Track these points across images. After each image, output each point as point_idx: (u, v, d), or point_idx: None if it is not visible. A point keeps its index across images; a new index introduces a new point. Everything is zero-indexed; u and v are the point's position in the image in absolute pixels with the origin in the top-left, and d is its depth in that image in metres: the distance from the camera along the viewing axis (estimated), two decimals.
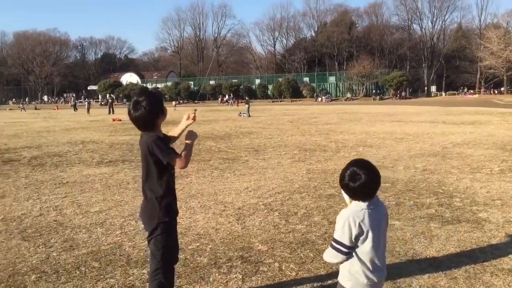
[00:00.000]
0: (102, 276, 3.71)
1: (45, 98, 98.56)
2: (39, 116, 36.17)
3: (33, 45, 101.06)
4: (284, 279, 3.63)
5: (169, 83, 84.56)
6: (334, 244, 2.30)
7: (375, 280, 2.30)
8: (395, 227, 4.87)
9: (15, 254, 4.26)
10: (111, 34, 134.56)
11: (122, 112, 40.92)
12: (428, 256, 4.05)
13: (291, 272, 3.74)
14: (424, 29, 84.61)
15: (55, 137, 16.72)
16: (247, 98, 35.36)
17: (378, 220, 2.31)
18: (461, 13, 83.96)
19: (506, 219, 5.11)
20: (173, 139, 3.17)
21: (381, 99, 66.15)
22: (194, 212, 5.63)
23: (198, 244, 4.45)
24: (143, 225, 3.07)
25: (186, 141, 2.93)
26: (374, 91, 71.69)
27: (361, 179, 2.24)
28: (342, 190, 2.38)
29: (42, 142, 14.88)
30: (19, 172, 8.88)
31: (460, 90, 77.35)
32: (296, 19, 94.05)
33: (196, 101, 74.64)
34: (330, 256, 2.33)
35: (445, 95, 74.55)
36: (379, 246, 2.31)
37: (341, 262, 2.34)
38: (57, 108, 61.11)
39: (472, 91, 74.85)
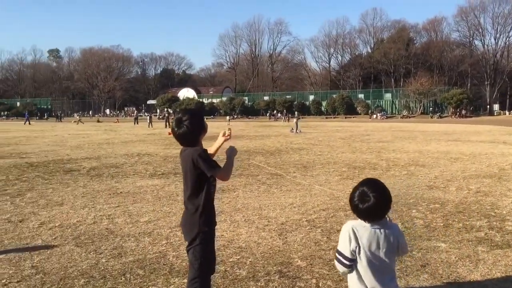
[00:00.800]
0: (145, 284, 3.89)
1: (107, 111, 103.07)
2: (100, 129, 37.90)
3: (98, 61, 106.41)
4: None
5: (224, 98, 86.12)
6: (337, 255, 2.36)
7: None
8: (440, 249, 4.76)
9: (67, 259, 4.54)
10: (170, 51, 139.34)
11: None
12: (471, 280, 3.94)
13: None
14: (487, 45, 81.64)
15: (113, 149, 17.48)
16: (296, 112, 35.32)
17: (380, 241, 2.31)
18: None
19: None
20: (211, 155, 3.31)
21: (440, 117, 64.10)
22: (238, 226, 5.75)
23: (239, 257, 4.55)
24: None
25: (228, 156, 3.09)
26: (431, 108, 69.59)
27: (369, 201, 2.28)
28: (351, 209, 2.44)
29: (102, 153, 15.62)
30: (78, 182, 9.39)
31: None
32: (352, 35, 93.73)
33: (250, 116, 75.50)
34: (337, 266, 2.39)
35: (509, 114, 71.10)
36: (378, 265, 2.31)
37: (346, 273, 2.37)
38: (118, 121, 63.77)
39: None
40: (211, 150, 3.38)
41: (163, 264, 4.36)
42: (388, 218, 2.44)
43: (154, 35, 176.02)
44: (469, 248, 4.82)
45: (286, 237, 5.24)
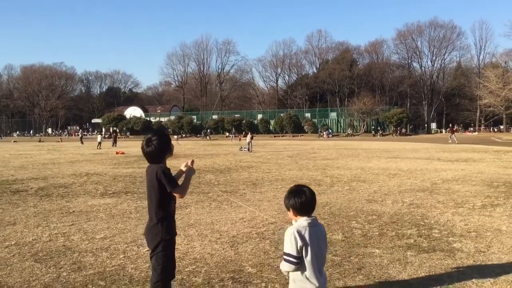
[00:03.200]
0: None
1: (49, 130, 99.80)
2: (43, 149, 36.82)
3: (40, 79, 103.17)
4: None
5: (172, 117, 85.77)
6: (285, 257, 2.82)
7: (317, 285, 2.78)
8: (374, 255, 5.33)
9: (29, 273, 4.74)
10: (116, 69, 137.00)
11: (125, 145, 41.64)
12: (400, 279, 4.51)
13: None
14: (424, 67, 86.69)
15: (60, 169, 17.26)
16: (249, 132, 35.92)
17: (317, 237, 2.81)
18: (460, 52, 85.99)
19: (477, 249, 5.57)
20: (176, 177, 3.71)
21: (381, 135, 66.88)
22: (191, 239, 6.10)
23: (194, 267, 4.92)
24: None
25: (186, 176, 3.51)
26: (373, 127, 72.50)
27: (305, 195, 2.79)
28: (287, 211, 2.93)
29: (48, 174, 15.42)
30: (28, 202, 9.38)
31: (459, 128, 78.13)
32: (299, 56, 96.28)
33: (198, 135, 75.55)
34: (284, 267, 2.85)
35: (445, 132, 75.26)
36: (318, 258, 2.80)
37: (294, 271, 2.83)
38: (61, 141, 61.92)
39: (472, 128, 75.71)
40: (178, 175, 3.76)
41: (123, 275, 4.66)
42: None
43: (100, 52, 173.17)
44: (400, 253, 5.43)
45: (237, 248, 5.66)
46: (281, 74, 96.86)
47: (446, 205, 8.58)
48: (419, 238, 6.10)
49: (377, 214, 7.74)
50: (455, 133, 43.27)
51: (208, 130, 74.02)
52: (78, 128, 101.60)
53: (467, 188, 10.84)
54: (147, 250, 5.39)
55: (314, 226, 2.84)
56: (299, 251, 2.79)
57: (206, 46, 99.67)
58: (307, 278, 2.81)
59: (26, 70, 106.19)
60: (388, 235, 6.31)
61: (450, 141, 39.31)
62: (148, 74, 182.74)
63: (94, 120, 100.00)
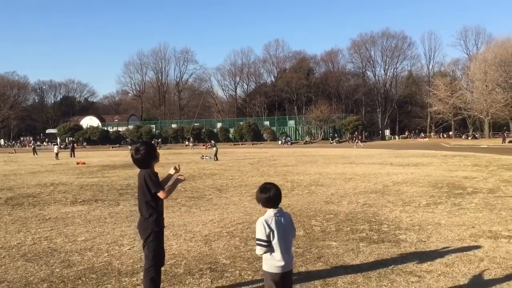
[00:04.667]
0: (100, 283, 4.74)
1: (1, 141, 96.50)
2: None
3: None
4: (243, 281, 4.78)
5: (130, 127, 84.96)
6: (257, 242, 3.51)
7: (283, 263, 3.49)
8: (331, 246, 6.11)
9: (23, 270, 5.22)
10: (71, 78, 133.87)
11: (83, 155, 41.22)
12: (353, 264, 5.30)
13: (248, 277, 4.90)
14: (378, 76, 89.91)
15: (23, 180, 17.29)
16: (213, 141, 36.29)
17: (283, 224, 3.52)
18: (411, 61, 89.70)
19: (419, 239, 6.45)
20: (164, 183, 4.32)
21: (338, 142, 68.85)
22: (168, 239, 6.66)
23: (174, 261, 5.53)
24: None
25: (174, 182, 4.16)
26: (331, 134, 74.46)
27: (270, 192, 3.51)
28: (258, 203, 3.63)
29: (12, 184, 15.49)
30: (1, 211, 9.66)
31: (412, 134, 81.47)
32: (257, 65, 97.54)
33: (157, 145, 75.23)
34: (258, 250, 3.54)
35: (398, 138, 78.28)
36: (283, 240, 3.50)
37: (265, 253, 3.52)
38: (15, 152, 60.20)
39: (423, 134, 79.08)
40: (165, 180, 4.37)
41: (111, 269, 5.22)
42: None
43: (53, 61, 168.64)
44: (353, 244, 6.23)
45: (211, 245, 6.31)
46: (240, 83, 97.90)
47: (395, 204, 9.52)
48: (370, 232, 6.94)
49: (334, 213, 8.56)
50: (359, 140, 58.65)
51: (160, 140, 73.35)
52: (31, 138, 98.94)
53: (415, 189, 11.89)
54: (128, 249, 6.00)
55: (280, 215, 3.55)
56: (268, 236, 3.48)
57: (164, 54, 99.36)
58: (274, 258, 3.51)
59: None
60: (343, 230, 7.12)
61: (355, 146, 50.11)
62: (104, 83, 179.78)
63: (48, 131, 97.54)
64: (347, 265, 5.29)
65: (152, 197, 4.11)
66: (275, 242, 3.48)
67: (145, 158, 4.13)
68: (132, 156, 4.19)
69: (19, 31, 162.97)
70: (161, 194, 4.09)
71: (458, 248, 5.94)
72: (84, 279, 4.89)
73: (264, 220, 3.51)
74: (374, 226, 7.35)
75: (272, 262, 3.50)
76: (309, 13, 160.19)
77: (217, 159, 28.43)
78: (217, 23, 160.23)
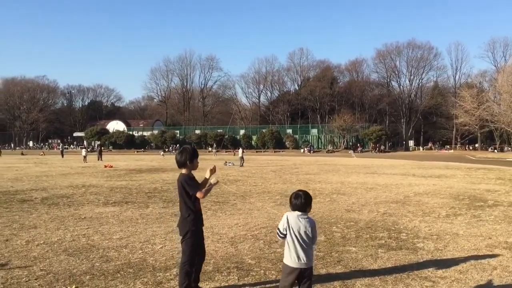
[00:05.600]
0: (138, 276, 5.19)
1: (30, 143, 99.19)
2: (29, 162, 37.23)
3: (21, 92, 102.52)
4: (267, 279, 5.17)
5: (155, 132, 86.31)
6: (277, 230, 3.94)
7: (297, 260, 3.85)
8: (351, 251, 6.45)
9: (66, 264, 5.71)
10: (99, 83, 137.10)
11: (110, 158, 42.27)
12: (371, 269, 5.62)
13: (272, 276, 5.28)
14: (402, 86, 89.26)
15: (55, 181, 18.03)
16: (241, 148, 36.84)
17: (300, 226, 3.88)
18: (437, 72, 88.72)
19: (436, 248, 6.73)
20: (202, 185, 4.75)
21: (361, 151, 68.62)
22: None
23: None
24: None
25: (210, 182, 4.59)
26: (352, 144, 74.14)
27: (300, 199, 3.90)
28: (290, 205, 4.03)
29: (46, 185, 16.22)
30: (38, 210, 10.27)
31: (437, 145, 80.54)
32: (281, 73, 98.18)
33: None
34: (277, 236, 3.95)
35: (423, 149, 77.50)
36: (300, 240, 3.86)
37: (281, 242, 3.90)
38: (44, 154, 61.98)
39: (448, 146, 78.16)
40: (203, 182, 4.80)
41: (146, 265, 5.67)
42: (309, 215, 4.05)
43: (82, 66, 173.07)
44: (372, 250, 6.55)
45: (237, 246, 6.71)
46: (263, 91, 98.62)
47: (415, 214, 9.77)
48: (389, 240, 7.24)
49: (354, 221, 8.88)
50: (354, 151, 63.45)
51: (178, 145, 74.15)
52: (59, 141, 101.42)
53: (436, 200, 12.08)
54: (161, 247, 6.45)
55: (303, 218, 3.94)
56: (284, 230, 3.91)
57: (189, 61, 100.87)
58: (290, 251, 3.93)
59: (8, 83, 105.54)
60: (363, 237, 7.44)
61: (353, 156, 55.91)
62: (131, 89, 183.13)
63: (75, 134, 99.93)
64: (365, 269, 5.62)
65: (189, 199, 4.57)
66: (294, 241, 3.87)
67: (184, 160, 4.61)
68: (176, 157, 4.74)
69: (50, 37, 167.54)
70: (198, 195, 4.54)
71: (473, 257, 6.20)
72: (122, 272, 5.35)
73: (286, 215, 3.94)
74: (393, 234, 7.65)
75: (290, 257, 3.91)
76: (334, 22, 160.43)
77: (243, 165, 29.12)
78: (242, 31, 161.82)
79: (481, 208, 10.66)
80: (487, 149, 70.94)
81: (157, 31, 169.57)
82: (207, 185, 4.70)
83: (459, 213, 10.02)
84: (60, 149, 54.90)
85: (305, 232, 3.93)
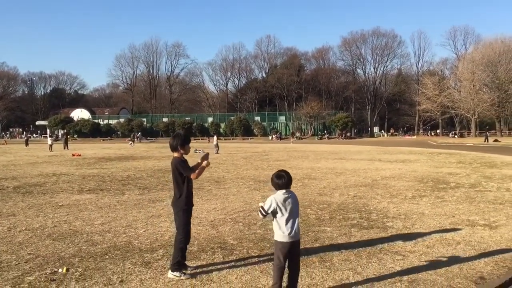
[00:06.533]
0: (126, 258, 5.41)
1: None
2: None
3: None
4: (250, 257, 5.48)
5: (122, 120, 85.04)
6: (260, 209, 4.24)
7: (291, 233, 4.17)
8: (326, 231, 6.83)
9: (53, 248, 5.86)
10: (61, 70, 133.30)
11: (76, 147, 41.58)
12: (346, 245, 6.01)
13: (255, 254, 5.59)
14: (367, 74, 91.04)
15: (24, 170, 17.79)
16: (215, 135, 36.96)
17: (290, 202, 4.21)
18: (400, 60, 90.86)
19: (405, 226, 7.19)
20: (195, 168, 4.99)
21: (328, 138, 69.76)
22: None
23: None
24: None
25: (202, 165, 4.85)
26: (320, 132, 75.22)
27: (283, 178, 4.20)
28: (272, 185, 4.32)
29: (15, 174, 16.01)
30: (13, 198, 10.24)
31: (401, 132, 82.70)
32: (248, 60, 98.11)
33: (149, 138, 75.57)
34: (259, 214, 4.25)
35: (387, 135, 79.44)
36: (290, 215, 4.19)
37: (263, 219, 4.20)
38: (6, 143, 60.20)
39: (411, 132, 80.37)
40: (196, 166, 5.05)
41: (132, 248, 5.88)
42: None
43: (44, 53, 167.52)
44: (346, 229, 6.95)
45: (217, 229, 6.99)
46: (231, 78, 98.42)
47: (383, 197, 10.28)
48: (360, 220, 7.67)
49: (327, 204, 9.29)
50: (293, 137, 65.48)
51: (139, 133, 73.43)
52: (20, 130, 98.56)
53: (402, 183, 12.67)
54: (143, 231, 6.66)
55: (288, 195, 4.25)
56: (269, 210, 4.19)
57: (155, 48, 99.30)
58: (280, 227, 4.21)
59: None
60: (336, 218, 7.84)
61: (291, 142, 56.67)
62: (95, 75, 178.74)
63: (38, 122, 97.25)
64: (340, 245, 6.00)
65: (182, 180, 4.88)
66: (283, 217, 4.18)
67: (176, 144, 4.95)
68: (170, 141, 5.05)
69: (9, 22, 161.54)
70: (192, 176, 4.86)
71: (439, 233, 6.69)
72: (110, 254, 5.54)
73: (274, 198, 4.23)
74: (364, 215, 8.08)
75: (281, 233, 4.21)
76: (300, 10, 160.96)
77: (217, 152, 29.75)
78: (209, 18, 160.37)
79: (444, 190, 11.27)
80: (448, 135, 73.33)
81: (122, 17, 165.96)
82: (199, 168, 4.94)
83: (424, 194, 10.59)
84: (24, 137, 53.48)
85: (293, 205, 4.25)
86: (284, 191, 4.25)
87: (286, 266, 4.25)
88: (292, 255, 4.23)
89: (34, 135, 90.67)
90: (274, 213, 4.22)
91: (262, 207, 4.28)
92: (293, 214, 4.25)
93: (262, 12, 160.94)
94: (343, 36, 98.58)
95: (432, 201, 9.60)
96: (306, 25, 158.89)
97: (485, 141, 47.93)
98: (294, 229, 4.21)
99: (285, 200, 4.21)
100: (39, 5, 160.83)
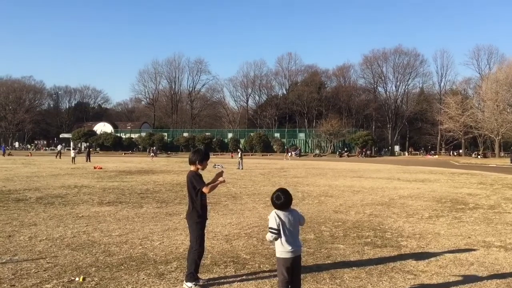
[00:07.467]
0: (141, 269, 5.55)
1: (16, 144, 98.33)
2: (17, 162, 37.12)
3: (7, 92, 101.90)
4: (261, 271, 5.56)
5: (143, 134, 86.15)
6: (270, 230, 4.31)
7: (292, 249, 4.25)
8: (339, 248, 6.87)
9: (71, 257, 6.04)
10: (86, 84, 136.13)
11: (98, 160, 42.29)
12: (357, 263, 6.04)
13: (266, 269, 5.68)
14: (389, 92, 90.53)
15: (47, 181, 18.21)
16: (239, 150, 37.12)
17: (289, 219, 4.29)
18: (422, 79, 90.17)
19: (419, 245, 7.18)
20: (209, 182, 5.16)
21: (347, 156, 69.38)
22: None
23: None
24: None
25: (218, 179, 5.01)
26: (340, 150, 74.77)
27: (281, 199, 4.30)
28: (272, 206, 4.42)
29: (38, 185, 16.41)
30: (35, 209, 10.53)
31: (422, 151, 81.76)
32: (269, 77, 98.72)
33: (169, 152, 76.32)
34: (269, 236, 4.33)
35: (408, 154, 78.59)
36: (291, 232, 4.26)
37: (275, 239, 4.29)
38: (31, 155, 61.59)
39: (433, 151, 79.38)
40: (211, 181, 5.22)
41: (147, 259, 6.02)
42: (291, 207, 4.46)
43: (70, 67, 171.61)
44: (359, 247, 6.97)
45: (231, 243, 7.09)
46: (252, 94, 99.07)
47: (399, 216, 10.24)
48: (374, 238, 7.68)
49: (342, 221, 9.31)
50: (288, 154, 63.92)
51: (154, 147, 73.56)
52: (45, 142, 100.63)
53: (419, 203, 12.58)
54: (159, 244, 6.80)
55: (289, 213, 4.35)
56: (278, 225, 4.29)
57: (178, 64, 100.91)
58: (282, 244, 4.30)
59: None
60: (350, 236, 7.87)
61: (287, 158, 56.82)
62: (118, 90, 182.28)
63: (62, 135, 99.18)
64: (353, 263, 6.03)
65: (196, 193, 5.03)
66: (284, 232, 4.27)
67: (194, 160, 5.14)
68: (190, 155, 5.24)
69: (37, 36, 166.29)
70: (204, 190, 5.00)
71: (453, 254, 6.65)
72: (125, 265, 5.69)
73: (275, 213, 4.34)
74: (378, 233, 8.09)
75: (283, 250, 4.29)
76: (322, 28, 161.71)
77: (241, 168, 30.36)
78: (232, 35, 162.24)
79: (462, 211, 11.17)
80: (471, 155, 72.20)
81: (146, 33, 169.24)
82: (213, 183, 5.09)
83: (441, 215, 10.51)
84: (58, 150, 54.42)
85: (294, 222, 4.33)
86: (284, 210, 4.35)
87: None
88: (294, 269, 4.31)
89: (58, 147, 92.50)
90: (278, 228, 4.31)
91: (271, 228, 4.35)
92: (296, 231, 4.35)
93: (283, 29, 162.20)
94: (365, 54, 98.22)
95: (449, 222, 9.53)
96: (327, 43, 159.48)
97: (511, 162, 47.03)
98: (295, 245, 4.30)
99: (285, 216, 4.31)
100: (67, 21, 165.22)
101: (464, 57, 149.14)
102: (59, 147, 59.28)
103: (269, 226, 4.36)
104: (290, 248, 4.26)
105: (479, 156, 66.98)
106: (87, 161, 39.32)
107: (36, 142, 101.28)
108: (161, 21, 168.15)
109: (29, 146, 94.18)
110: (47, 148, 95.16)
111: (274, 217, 4.31)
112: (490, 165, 42.72)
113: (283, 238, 4.28)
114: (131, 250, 6.49)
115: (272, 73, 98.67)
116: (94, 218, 9.20)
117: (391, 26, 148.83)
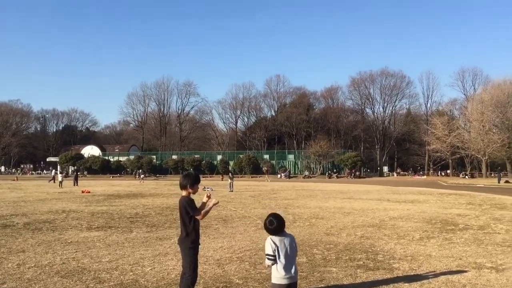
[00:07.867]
0: None
1: (2, 168, 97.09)
2: (2, 187, 36.58)
3: None
4: None
5: (131, 157, 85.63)
6: (267, 256, 4.30)
7: (288, 275, 4.24)
8: (332, 271, 6.84)
9: (61, 285, 5.94)
10: (74, 107, 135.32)
11: (86, 184, 41.86)
12: (351, 286, 6.03)
13: None
14: (376, 113, 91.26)
15: (34, 206, 17.96)
16: (230, 173, 36.98)
17: (285, 244, 4.29)
18: (409, 100, 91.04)
19: (411, 268, 7.18)
20: (201, 209, 5.14)
21: (337, 177, 69.53)
22: None
23: None
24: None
25: (209, 206, 4.99)
26: (329, 171, 74.88)
27: (274, 224, 4.30)
28: (265, 231, 4.42)
29: (25, 210, 16.18)
30: (23, 235, 10.36)
31: (410, 171, 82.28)
32: (258, 99, 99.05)
33: (158, 175, 75.85)
34: (267, 262, 4.31)
35: (396, 175, 78.99)
36: (287, 257, 4.26)
37: (273, 264, 4.27)
38: (17, 179, 60.73)
39: (421, 172, 79.90)
40: (202, 206, 5.20)
41: (138, 285, 5.95)
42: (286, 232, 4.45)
43: (57, 90, 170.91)
44: (352, 270, 6.96)
45: (223, 268, 7.03)
46: (241, 116, 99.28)
47: (391, 237, 10.25)
48: (367, 261, 7.67)
49: (334, 244, 9.29)
50: (267, 176, 64.26)
51: (140, 170, 67.69)
52: (31, 166, 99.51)
53: (410, 224, 12.62)
54: (150, 269, 6.72)
55: (284, 237, 4.35)
56: (274, 251, 4.28)
57: (167, 87, 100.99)
58: (278, 270, 4.28)
59: None
60: (342, 258, 7.85)
61: (267, 180, 57.19)
62: (106, 113, 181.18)
63: (49, 159, 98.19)
64: (346, 286, 6.01)
65: (189, 219, 5.00)
66: (280, 259, 4.26)
67: (185, 184, 5.14)
68: (180, 179, 5.24)
69: (24, 60, 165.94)
70: (198, 217, 5.01)
71: (445, 276, 6.66)
72: None
73: (271, 239, 4.33)
74: (370, 256, 8.08)
75: (279, 276, 4.27)
76: (310, 50, 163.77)
77: (232, 190, 30.52)
78: (220, 58, 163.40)
79: (452, 232, 11.22)
80: (458, 175, 72.79)
81: (135, 56, 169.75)
82: (206, 207, 5.07)
83: (431, 236, 10.54)
84: (53, 174, 53.38)
85: (289, 247, 4.33)
86: (279, 235, 4.35)
87: None
88: None
89: (44, 171, 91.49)
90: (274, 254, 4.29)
91: (267, 254, 4.34)
92: (290, 256, 4.34)
93: (272, 52, 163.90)
94: (352, 76, 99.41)
95: (440, 243, 9.56)
96: (315, 65, 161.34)
97: (498, 182, 47.48)
98: (291, 271, 4.28)
99: (281, 242, 4.30)
100: (55, 43, 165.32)
101: (449, 78, 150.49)
102: (53, 172, 58.25)
103: (266, 252, 4.35)
104: (286, 274, 4.24)
105: (466, 176, 67.56)
106: (74, 185, 38.87)
107: (22, 166, 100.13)
108: (149, 43, 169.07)
109: (14, 170, 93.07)
110: (33, 172, 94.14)
111: (269, 243, 4.31)
112: (478, 185, 43.07)
113: (279, 264, 4.27)
114: (121, 277, 6.40)
115: (260, 95, 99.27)
116: (83, 244, 9.07)
117: (378, 49, 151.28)
